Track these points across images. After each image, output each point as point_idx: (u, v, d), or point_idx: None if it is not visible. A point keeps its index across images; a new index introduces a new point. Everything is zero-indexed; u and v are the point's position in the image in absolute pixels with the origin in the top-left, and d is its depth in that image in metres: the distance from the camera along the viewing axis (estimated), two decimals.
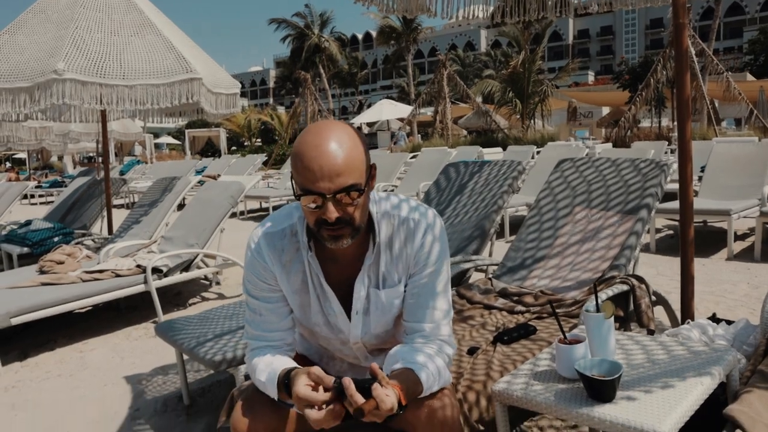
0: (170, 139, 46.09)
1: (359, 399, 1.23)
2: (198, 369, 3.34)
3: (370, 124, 33.78)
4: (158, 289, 4.28)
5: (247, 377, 2.37)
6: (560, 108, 30.09)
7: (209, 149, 35.56)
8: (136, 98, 4.86)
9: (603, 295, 2.33)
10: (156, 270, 4.27)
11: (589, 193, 2.97)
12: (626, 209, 2.78)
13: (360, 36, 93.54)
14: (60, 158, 28.59)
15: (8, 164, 27.70)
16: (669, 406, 1.42)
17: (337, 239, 1.40)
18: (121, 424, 2.81)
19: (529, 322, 2.43)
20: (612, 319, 1.69)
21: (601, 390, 1.48)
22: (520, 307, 2.58)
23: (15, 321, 3.63)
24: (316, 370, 1.36)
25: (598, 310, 1.71)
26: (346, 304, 1.58)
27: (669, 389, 1.50)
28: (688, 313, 2.50)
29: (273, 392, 1.47)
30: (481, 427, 1.82)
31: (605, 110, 33.89)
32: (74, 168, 23.72)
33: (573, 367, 1.55)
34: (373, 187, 1.48)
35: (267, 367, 1.51)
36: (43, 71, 4.57)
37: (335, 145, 1.35)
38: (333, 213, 1.35)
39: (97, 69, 4.64)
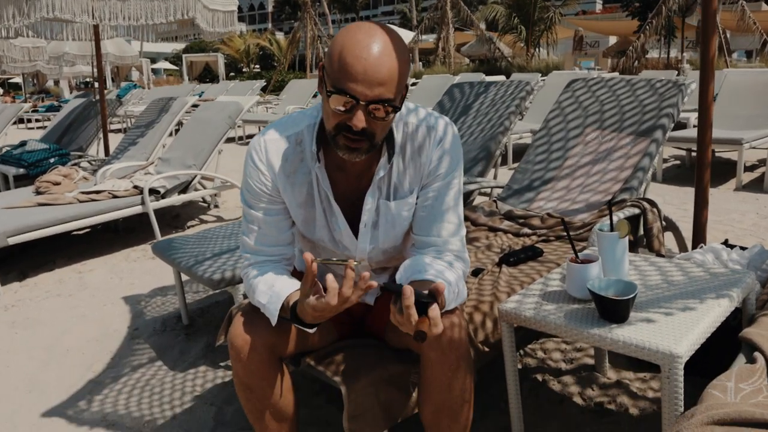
0: (168, 65, 45.15)
1: (414, 314, 1.13)
2: (197, 290, 3.31)
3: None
4: (156, 211, 4.22)
5: (245, 296, 2.33)
6: (566, 37, 29.35)
7: (207, 75, 34.88)
8: (130, 13, 4.66)
9: (614, 217, 2.26)
10: (153, 191, 4.19)
11: (602, 113, 2.85)
12: (640, 130, 2.67)
13: None
14: (56, 83, 28.09)
15: (1, 89, 27.16)
16: (685, 328, 1.36)
17: (352, 151, 1.30)
18: (120, 343, 2.79)
19: (536, 245, 2.36)
20: (627, 239, 1.62)
21: (614, 310, 1.42)
22: (526, 230, 2.51)
23: (12, 240, 3.58)
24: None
25: (612, 229, 1.64)
26: (353, 218, 1.50)
27: (686, 311, 1.44)
28: (700, 238, 2.43)
29: (273, 316, 1.41)
30: (486, 349, 1.78)
31: (612, 40, 33.05)
32: (71, 93, 23.30)
33: (585, 287, 1.49)
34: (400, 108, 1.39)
35: (268, 290, 1.43)
36: None
37: (386, 52, 1.22)
38: (361, 122, 1.23)
39: None
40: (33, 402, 2.35)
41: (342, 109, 1.24)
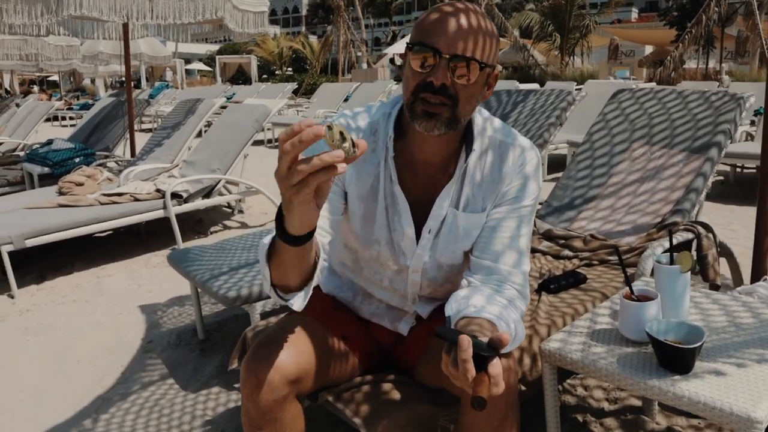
0: (202, 66, 45.61)
1: (472, 369, 0.92)
2: (215, 302, 3.18)
3: (402, 56, 32.87)
4: (178, 216, 4.10)
5: (263, 316, 2.18)
6: (600, 45, 28.93)
7: (240, 77, 35.11)
8: (158, 12, 4.57)
9: (666, 245, 2.05)
10: (176, 195, 4.08)
11: (651, 127, 2.64)
12: (693, 147, 2.46)
13: None
14: (93, 81, 28.53)
15: (36, 87, 27.69)
16: (764, 385, 1.17)
17: (430, 117, 1.18)
18: (133, 356, 2.66)
19: (578, 270, 2.17)
20: (689, 274, 1.42)
21: (678, 359, 1.23)
22: (567, 252, 2.32)
23: (30, 243, 3.49)
24: None
25: (671, 261, 1.45)
26: (416, 222, 1.36)
27: (762, 363, 1.24)
28: (761, 268, 2.21)
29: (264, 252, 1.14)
30: (523, 388, 1.60)
31: (648, 49, 32.45)
32: (106, 91, 23.59)
33: (642, 329, 1.30)
34: (487, 98, 1.28)
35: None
36: None
37: (473, 14, 1.19)
38: (441, 77, 1.14)
39: None
40: (37, 416, 2.23)
41: (421, 65, 1.17)
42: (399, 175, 1.32)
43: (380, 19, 63.75)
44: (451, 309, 1.25)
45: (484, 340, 0.98)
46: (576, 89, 10.59)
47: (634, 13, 63.68)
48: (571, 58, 26.24)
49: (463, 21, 1.16)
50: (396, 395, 1.45)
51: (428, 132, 1.19)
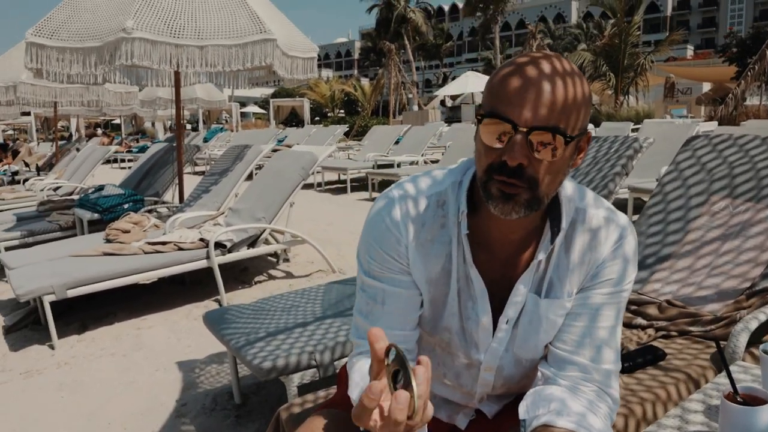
0: (256, 109, 46.83)
1: None
2: None
3: (453, 97, 32.99)
4: (223, 265, 4.00)
5: (300, 389, 1.99)
6: (655, 84, 28.30)
7: (293, 119, 35.80)
8: (207, 60, 4.55)
9: (761, 317, 1.78)
10: (220, 245, 3.98)
11: (732, 178, 2.38)
12: None
13: (446, 7, 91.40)
14: (153, 124, 29.55)
15: (100, 130, 28.83)
16: None
17: (507, 199, 0.96)
18: (165, 421, 2.51)
19: (654, 342, 1.91)
20: None
21: None
22: (640, 320, 2.06)
23: (72, 293, 3.42)
24: None
25: None
26: (492, 311, 1.14)
27: None
28: None
29: None
30: None
31: (706, 87, 31.58)
32: (165, 133, 24.35)
33: None
34: (578, 164, 1.04)
35: (361, 380, 1.08)
36: (112, 30, 4.34)
37: (556, 71, 0.95)
38: (518, 155, 0.93)
39: (168, 28, 4.36)
40: None
41: (495, 139, 0.95)
42: (473, 254, 1.11)
43: (431, 62, 64.46)
44: (527, 410, 1.05)
45: None
46: (632, 129, 10.26)
47: (690, 51, 62.53)
48: (626, 97, 25.73)
49: (545, 80, 0.93)
50: None
51: (505, 216, 0.99)
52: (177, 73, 5.37)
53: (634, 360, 1.75)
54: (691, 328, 1.96)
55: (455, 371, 1.21)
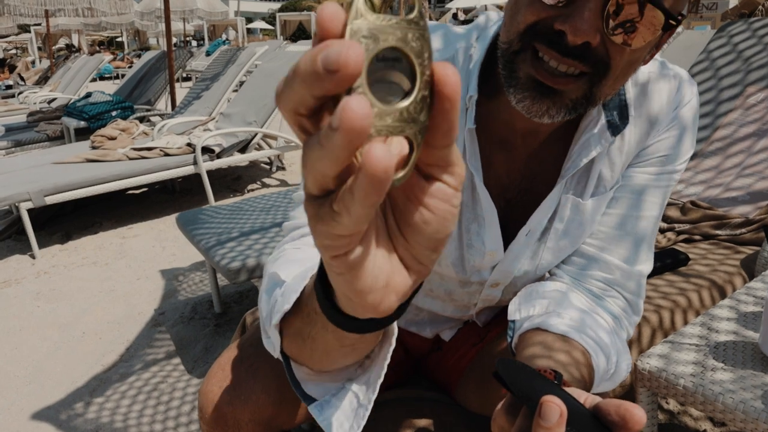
0: (264, 24, 45.45)
1: None
2: None
3: (466, 11, 31.74)
4: (214, 172, 3.79)
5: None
6: None
7: (301, 34, 34.74)
8: None
9: None
10: (207, 150, 3.74)
11: None
12: None
13: None
14: (157, 41, 28.78)
15: (99, 47, 28.15)
16: None
17: (543, 95, 0.64)
18: (141, 330, 2.35)
19: (675, 246, 1.68)
20: None
21: None
22: (661, 224, 1.82)
23: (50, 200, 3.22)
24: None
25: None
26: (504, 223, 0.83)
27: None
28: None
29: (279, 311, 0.55)
30: None
31: (733, 2, 30.10)
32: None
33: None
34: (648, 62, 0.70)
35: (299, 261, 0.68)
36: None
37: None
38: (587, 29, 0.58)
39: None
40: (27, 397, 1.96)
41: None
42: (483, 156, 0.78)
43: None
44: (518, 309, 0.81)
45: (581, 398, 0.50)
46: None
47: None
48: None
49: None
50: (427, 421, 1.03)
51: (535, 118, 0.66)
52: None
53: (653, 265, 1.52)
54: (718, 232, 1.72)
55: (446, 288, 0.94)
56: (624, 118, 0.76)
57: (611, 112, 0.76)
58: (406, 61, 0.28)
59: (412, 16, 0.28)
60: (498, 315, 1.04)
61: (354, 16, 0.27)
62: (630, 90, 0.77)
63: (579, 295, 0.82)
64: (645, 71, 0.79)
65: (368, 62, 0.27)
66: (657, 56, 0.80)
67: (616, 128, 0.76)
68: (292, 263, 0.67)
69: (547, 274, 0.89)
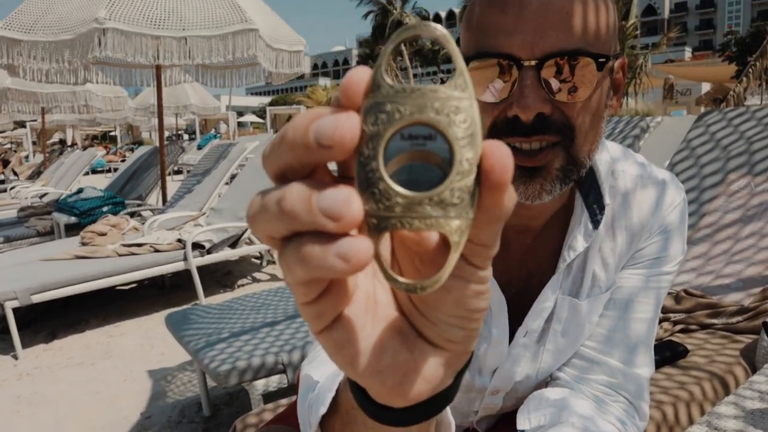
0: (254, 118, 46.67)
1: None
2: None
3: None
4: (204, 268, 3.76)
5: (266, 398, 1.74)
6: (654, 86, 28.10)
7: None
8: (186, 51, 4.33)
9: None
10: (198, 245, 3.73)
11: (751, 154, 2.14)
12: None
13: (443, 14, 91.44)
14: (150, 135, 29.37)
15: (93, 141, 28.68)
16: None
17: (531, 176, 0.66)
18: None
19: (673, 337, 1.67)
20: None
21: None
22: None
23: (36, 298, 3.17)
24: None
25: None
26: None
27: None
28: None
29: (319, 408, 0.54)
30: None
31: (705, 87, 31.39)
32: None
33: None
34: (616, 109, 0.74)
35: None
36: (84, 21, 4.12)
37: None
38: (532, 103, 0.62)
39: (144, 18, 4.14)
40: None
41: (495, 91, 0.64)
42: None
43: (428, 68, 64.34)
44: (527, 419, 0.79)
45: None
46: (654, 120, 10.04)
47: (688, 53, 62.49)
48: (625, 98, 25.57)
49: None
50: None
51: (533, 201, 0.69)
52: (158, 68, 5.14)
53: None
54: (714, 321, 1.71)
55: None
56: (601, 208, 0.77)
57: (592, 206, 0.78)
58: (441, 138, 0.24)
59: (452, 82, 0.25)
60: (500, 422, 1.01)
61: (376, 84, 0.24)
62: (604, 180, 0.77)
63: (585, 401, 0.81)
64: (627, 177, 0.81)
65: (386, 140, 0.23)
66: (639, 157, 0.83)
67: (597, 222, 0.77)
68: (326, 363, 0.66)
69: (549, 378, 0.87)
